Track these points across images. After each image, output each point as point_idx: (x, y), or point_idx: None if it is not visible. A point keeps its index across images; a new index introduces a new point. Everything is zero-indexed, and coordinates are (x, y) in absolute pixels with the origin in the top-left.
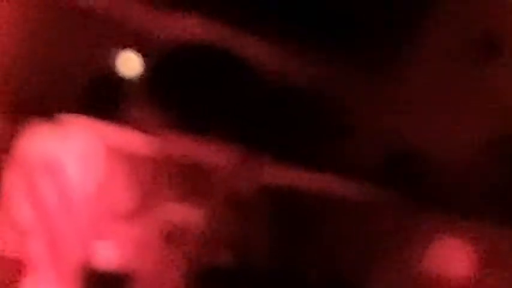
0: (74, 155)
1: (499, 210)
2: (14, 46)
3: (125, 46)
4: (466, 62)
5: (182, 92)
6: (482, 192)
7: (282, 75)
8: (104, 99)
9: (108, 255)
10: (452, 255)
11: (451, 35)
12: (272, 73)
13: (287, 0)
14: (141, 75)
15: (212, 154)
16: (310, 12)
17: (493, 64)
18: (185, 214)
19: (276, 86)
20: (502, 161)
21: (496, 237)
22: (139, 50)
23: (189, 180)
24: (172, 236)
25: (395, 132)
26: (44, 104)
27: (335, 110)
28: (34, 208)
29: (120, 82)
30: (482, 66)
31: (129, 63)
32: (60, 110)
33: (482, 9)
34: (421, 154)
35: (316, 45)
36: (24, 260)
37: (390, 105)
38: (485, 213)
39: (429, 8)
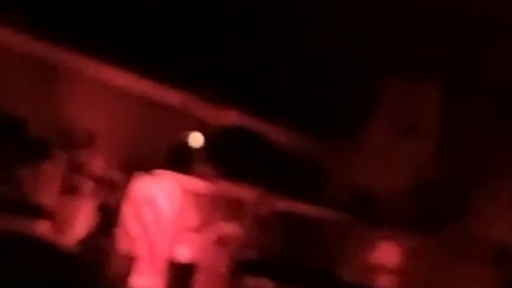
0: (164, 194)
1: (416, 226)
2: (127, 126)
3: (193, 128)
4: (398, 136)
5: (227, 156)
6: (408, 215)
7: (284, 146)
8: (181, 161)
9: (183, 254)
10: (388, 252)
11: (390, 119)
12: (278, 143)
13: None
14: (204, 147)
15: (244, 192)
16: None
17: (412, 140)
18: (228, 228)
19: (281, 152)
20: (417, 197)
21: (414, 241)
22: (202, 131)
23: (230, 208)
24: (220, 242)
25: (357, 180)
26: (146, 163)
27: (318, 168)
28: (139, 225)
29: (190, 150)
30: (406, 140)
31: (196, 139)
32: (153, 168)
33: (411, 103)
34: (373, 193)
35: (313, 126)
36: (133, 256)
37: (352, 165)
38: (408, 227)
39: (378, 101)
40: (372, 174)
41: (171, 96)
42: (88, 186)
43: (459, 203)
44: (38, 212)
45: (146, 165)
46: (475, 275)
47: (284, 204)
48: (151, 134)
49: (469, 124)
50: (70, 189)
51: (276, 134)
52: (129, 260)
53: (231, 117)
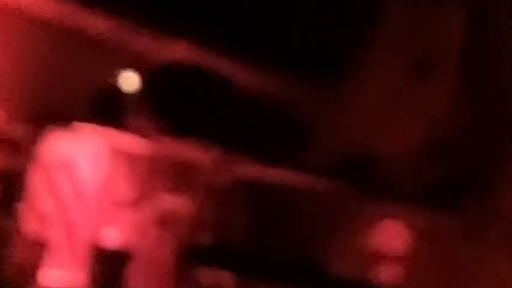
0: (85, 156)
1: (430, 199)
2: (34, 67)
3: (125, 66)
4: (405, 79)
5: (172, 104)
6: (418, 184)
7: (253, 91)
8: (109, 110)
9: (112, 237)
10: (392, 234)
11: (394, 55)
12: (245, 88)
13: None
14: (139, 90)
15: (196, 154)
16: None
17: (425, 82)
18: (174, 203)
19: (248, 99)
20: (431, 162)
21: (426, 220)
22: (137, 70)
23: (177, 175)
24: (164, 221)
25: (350, 139)
26: (60, 114)
27: (302, 121)
28: (53, 199)
29: (121, 96)
30: (417, 83)
31: (129, 81)
32: (73, 120)
33: (423, 32)
34: (371, 155)
35: (284, 65)
36: (44, 241)
37: (344, 117)
38: (419, 201)
39: (378, 29)
40: (370, 129)
41: (97, 24)
42: None
43: (483, 171)
44: None
45: (61, 117)
46: (500, 264)
47: (251, 170)
48: (69, 74)
49: (500, 61)
50: None
51: (239, 74)
52: (39, 247)
53: (178, 51)
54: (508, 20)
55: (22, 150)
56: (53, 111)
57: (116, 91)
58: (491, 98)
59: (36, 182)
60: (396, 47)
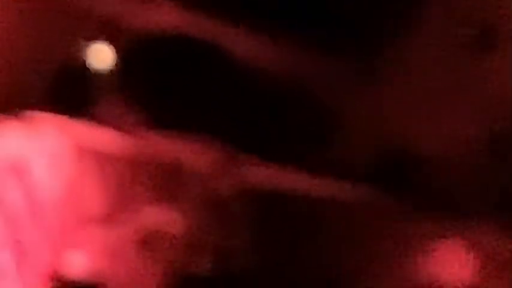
0: (42, 155)
1: (498, 212)
2: None
3: (95, 37)
4: (462, 55)
5: (158, 86)
6: (482, 193)
7: (264, 70)
8: (73, 94)
9: (79, 264)
10: (450, 260)
11: (446, 27)
12: (255, 68)
13: None
14: (113, 68)
15: (191, 153)
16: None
17: (489, 58)
18: (162, 218)
19: (258, 83)
20: (501, 159)
21: (495, 242)
22: (111, 41)
23: (166, 182)
24: (148, 242)
25: (387, 131)
26: (7, 99)
27: (322, 108)
28: None
29: (90, 76)
30: (478, 60)
31: (100, 55)
32: (25, 106)
33: (480, 1)
34: (414, 152)
35: (301, 40)
36: None
37: (380, 102)
38: (484, 215)
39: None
40: (415, 120)
41: None
42: None
43: None
44: None
45: (10, 103)
46: None
47: (259, 174)
48: (21, 47)
49: None
50: None
51: (244, 46)
52: None
53: (164, 17)
54: None
55: None
56: None
57: (83, 69)
58: None
59: None
60: (450, 18)
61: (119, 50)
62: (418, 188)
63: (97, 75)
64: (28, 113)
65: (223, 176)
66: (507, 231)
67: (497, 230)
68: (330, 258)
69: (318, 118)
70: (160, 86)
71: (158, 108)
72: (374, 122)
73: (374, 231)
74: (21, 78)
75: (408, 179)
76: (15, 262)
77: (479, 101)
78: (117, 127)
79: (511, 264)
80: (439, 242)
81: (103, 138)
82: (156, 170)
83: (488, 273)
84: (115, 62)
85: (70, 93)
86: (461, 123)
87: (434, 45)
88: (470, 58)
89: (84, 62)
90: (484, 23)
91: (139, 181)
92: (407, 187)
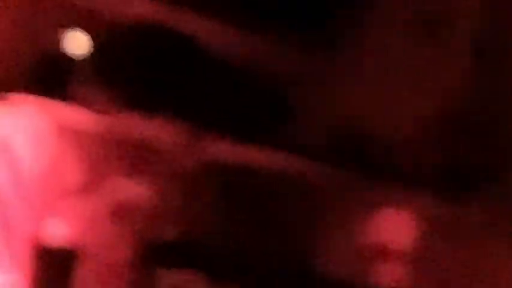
0: (23, 133)
1: (440, 183)
2: None
3: (72, 25)
4: (409, 41)
5: (129, 70)
6: (427, 166)
7: (225, 53)
8: (52, 77)
9: (58, 232)
10: (395, 227)
11: (395, 13)
12: (216, 51)
13: None
14: (89, 54)
15: (158, 131)
16: None
17: (434, 45)
18: (132, 190)
19: (220, 65)
20: (446, 138)
21: (437, 209)
22: (86, 29)
23: (136, 157)
24: (119, 212)
25: (341, 110)
26: None
27: (280, 88)
28: None
29: (68, 61)
30: (423, 47)
31: (77, 42)
32: (7, 89)
33: None
34: (366, 129)
35: (262, 24)
36: None
37: (335, 84)
38: (427, 186)
39: None
40: (369, 101)
41: None
42: None
43: (505, 151)
44: None
45: None
46: None
47: (223, 150)
48: (2, 35)
49: None
50: None
51: (212, 33)
52: None
53: (136, 6)
54: None
55: None
56: None
57: (62, 55)
58: None
59: None
60: (403, 6)
61: (94, 38)
62: (371, 163)
63: (74, 61)
64: (10, 95)
65: (187, 151)
66: (448, 200)
67: (439, 199)
68: (290, 227)
69: (276, 97)
70: (131, 71)
71: (129, 91)
72: (333, 104)
73: (330, 201)
74: (4, 64)
75: (363, 156)
76: (1, 233)
77: (428, 87)
78: (93, 108)
79: (450, 229)
80: (385, 210)
81: (80, 117)
82: (127, 146)
83: (431, 238)
84: (91, 49)
85: (50, 77)
86: (411, 106)
87: (386, 33)
88: (421, 47)
89: (62, 48)
90: (434, 13)
91: (113, 157)
92: (362, 162)
